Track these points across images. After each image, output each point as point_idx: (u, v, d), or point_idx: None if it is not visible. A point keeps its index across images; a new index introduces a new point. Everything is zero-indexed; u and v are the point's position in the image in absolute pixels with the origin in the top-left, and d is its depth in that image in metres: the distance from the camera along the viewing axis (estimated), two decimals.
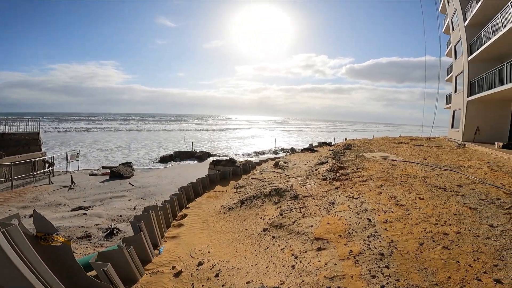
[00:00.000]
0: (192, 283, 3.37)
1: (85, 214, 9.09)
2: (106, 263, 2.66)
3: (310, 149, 15.29)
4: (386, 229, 3.70)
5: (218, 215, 5.88)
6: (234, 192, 7.40)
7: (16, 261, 1.80)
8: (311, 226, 4.26)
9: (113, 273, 2.67)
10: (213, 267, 3.63)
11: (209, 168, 11.06)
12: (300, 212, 4.95)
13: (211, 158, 23.94)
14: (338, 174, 6.67)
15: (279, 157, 12.79)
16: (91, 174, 15.64)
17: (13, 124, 15.60)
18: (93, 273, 3.31)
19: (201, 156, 23.83)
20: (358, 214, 4.30)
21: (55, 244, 2.35)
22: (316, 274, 3.04)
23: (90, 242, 7.28)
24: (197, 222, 5.58)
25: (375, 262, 2.98)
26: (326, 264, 3.18)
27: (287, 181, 7.40)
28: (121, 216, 9.40)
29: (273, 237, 4.43)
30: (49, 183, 12.90)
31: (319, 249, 3.59)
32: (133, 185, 13.76)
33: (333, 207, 4.83)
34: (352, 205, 4.72)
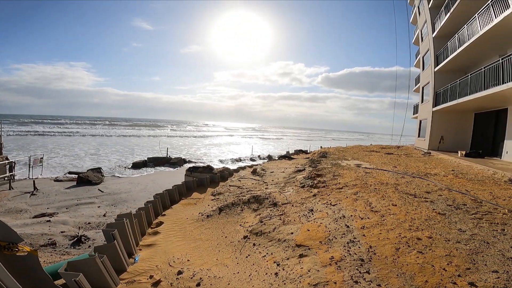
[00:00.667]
0: None
1: (49, 221, 8.48)
2: (78, 273, 2.47)
3: (287, 156, 15.48)
4: (364, 235, 3.80)
5: (196, 223, 5.73)
6: (212, 199, 7.28)
7: None
8: (292, 233, 4.28)
9: (85, 283, 2.48)
10: (193, 276, 3.51)
11: (185, 175, 10.79)
12: (280, 219, 4.95)
13: (187, 165, 23.42)
14: (315, 182, 6.78)
15: (256, 165, 12.81)
16: (56, 180, 14.64)
17: None
18: (60, 281, 3.06)
19: (176, 163, 23.21)
20: (336, 221, 4.39)
21: (20, 254, 2.16)
22: (300, 281, 3.05)
23: (55, 250, 6.78)
24: (174, 230, 5.40)
25: (356, 267, 3.05)
26: (309, 271, 3.21)
27: (265, 188, 7.41)
28: (89, 223, 8.86)
29: (254, 244, 4.38)
30: (10, 189, 11.89)
31: (301, 256, 3.61)
32: (103, 192, 13.06)
33: (312, 214, 4.89)
34: (330, 212, 4.81)
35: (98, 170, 16.13)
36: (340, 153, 13.17)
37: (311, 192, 6.19)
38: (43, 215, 9.02)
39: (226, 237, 4.93)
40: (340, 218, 4.47)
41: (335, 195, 5.70)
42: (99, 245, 3.47)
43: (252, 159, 30.10)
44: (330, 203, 5.24)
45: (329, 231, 4.07)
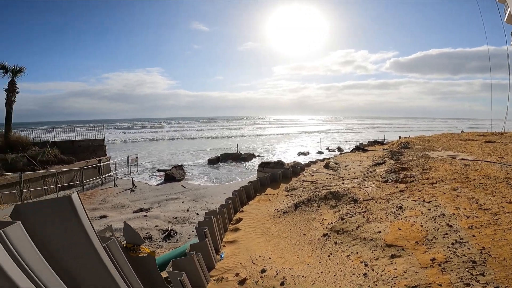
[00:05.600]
0: None
1: (145, 216, 9.74)
2: (181, 273, 2.70)
3: (361, 148, 14.45)
4: (473, 236, 3.26)
5: (273, 219, 5.78)
6: (286, 195, 7.25)
7: (116, 277, 1.87)
8: (379, 232, 3.92)
9: (187, 282, 2.70)
10: (277, 274, 3.52)
11: (257, 170, 11.09)
12: (363, 216, 4.60)
13: (256, 159, 24.18)
14: (401, 176, 6.11)
15: (328, 158, 12.30)
16: (149, 176, 16.82)
17: (81, 131, 17.35)
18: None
19: (246, 158, 24.20)
20: (434, 220, 3.84)
21: (142, 255, 2.41)
22: (395, 283, 2.80)
23: (151, 244, 7.72)
24: (253, 227, 5.54)
25: (467, 269, 2.67)
26: (404, 272, 2.92)
27: (342, 183, 7.02)
28: (176, 218, 9.89)
29: (336, 243, 4.18)
30: (114, 186, 14.11)
31: (393, 256, 3.30)
32: (185, 188, 14.44)
33: (402, 212, 4.40)
34: (425, 210, 4.24)
35: (180, 167, 17.90)
36: (426, 143, 11.59)
37: (397, 187, 5.59)
38: (141, 210, 10.44)
39: (304, 234, 4.83)
40: (439, 216, 3.90)
41: (429, 191, 5.00)
42: (194, 242, 3.76)
43: (319, 152, 29.26)
44: (424, 200, 4.62)
45: (427, 230, 3.59)
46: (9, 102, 14.59)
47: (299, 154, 28.81)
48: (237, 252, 4.48)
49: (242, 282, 3.47)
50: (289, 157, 25.40)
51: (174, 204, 11.83)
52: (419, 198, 4.75)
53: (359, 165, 9.21)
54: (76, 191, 1.92)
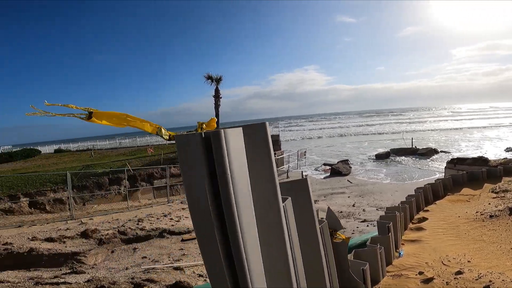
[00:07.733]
0: None
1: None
2: (365, 263, 2.70)
3: None
4: None
5: (473, 222, 4.78)
6: (494, 197, 5.77)
7: (323, 260, 1.85)
8: None
9: (367, 272, 2.67)
10: (479, 277, 2.87)
11: (446, 167, 9.25)
12: None
13: (439, 155, 20.19)
14: None
15: None
16: (315, 170, 17.81)
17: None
18: None
19: (425, 153, 20.67)
20: None
21: (337, 241, 2.46)
22: None
23: None
24: (444, 228, 4.78)
25: None
26: None
27: None
28: (341, 212, 9.88)
29: None
30: (287, 178, 15.90)
31: None
32: (351, 182, 14.17)
33: None
34: None
35: (346, 161, 17.75)
36: None
37: None
38: None
39: None
40: None
41: None
42: (376, 236, 3.71)
43: None
44: None
45: None
46: (217, 106, 19.06)
47: (507, 150, 21.45)
48: (420, 251, 4.03)
49: (428, 281, 3.06)
50: (489, 154, 19.40)
51: (339, 198, 11.88)
52: None
53: None
54: (306, 175, 2.16)
